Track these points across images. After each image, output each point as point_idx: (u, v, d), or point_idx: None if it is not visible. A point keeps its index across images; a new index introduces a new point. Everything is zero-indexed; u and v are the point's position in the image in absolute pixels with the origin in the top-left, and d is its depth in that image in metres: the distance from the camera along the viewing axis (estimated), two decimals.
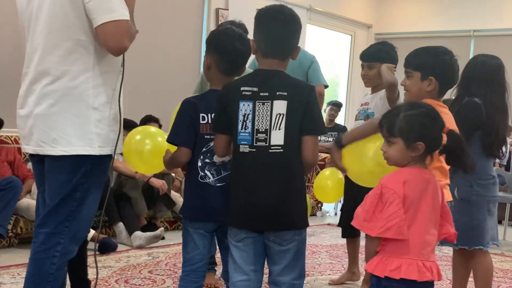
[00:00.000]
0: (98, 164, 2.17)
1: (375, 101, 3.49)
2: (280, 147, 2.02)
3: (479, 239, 2.91)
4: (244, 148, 2.05)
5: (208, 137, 2.24)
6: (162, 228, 4.70)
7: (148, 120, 5.34)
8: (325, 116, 7.07)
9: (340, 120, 7.86)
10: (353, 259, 3.81)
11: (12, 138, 4.56)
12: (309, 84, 2.13)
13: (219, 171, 2.24)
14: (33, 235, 2.22)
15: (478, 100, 2.87)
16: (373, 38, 8.82)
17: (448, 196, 2.42)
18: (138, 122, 5.13)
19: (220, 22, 6.22)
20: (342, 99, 8.30)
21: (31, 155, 2.28)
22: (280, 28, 2.08)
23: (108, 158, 2.22)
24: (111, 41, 2.06)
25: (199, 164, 2.25)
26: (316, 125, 2.06)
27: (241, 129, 2.05)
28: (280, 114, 2.02)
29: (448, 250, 3.20)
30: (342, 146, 2.56)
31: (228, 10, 6.57)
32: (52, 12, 2.09)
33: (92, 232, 4.24)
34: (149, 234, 4.48)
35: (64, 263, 2.18)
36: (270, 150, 2.02)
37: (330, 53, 8.61)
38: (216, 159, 2.23)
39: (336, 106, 7.25)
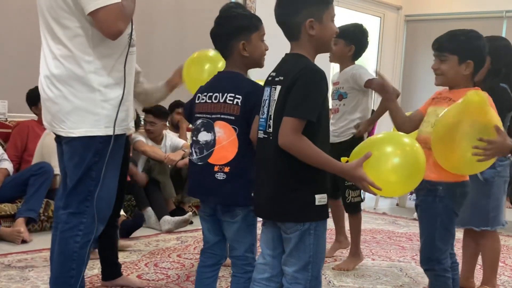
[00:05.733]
0: (110, 143, 2.22)
1: (344, 78, 3.62)
2: (271, 135, 1.98)
3: (499, 219, 3.04)
4: (260, 134, 2.04)
5: (197, 115, 2.29)
6: (190, 213, 4.73)
7: (177, 105, 5.37)
8: None
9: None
10: (340, 228, 3.93)
11: None
12: (303, 67, 1.92)
13: (202, 150, 2.25)
14: (53, 217, 2.30)
15: (503, 85, 2.93)
16: (403, 20, 8.69)
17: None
18: (167, 107, 5.17)
19: (247, 4, 6.20)
20: None
21: (56, 139, 2.38)
22: (276, 8, 2.03)
23: (120, 137, 2.27)
24: (104, 28, 2.11)
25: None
26: (289, 107, 1.88)
27: (261, 115, 2.05)
28: (275, 100, 1.97)
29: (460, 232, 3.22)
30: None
31: None
32: (46, 3, 2.20)
33: (124, 215, 4.32)
34: (177, 218, 4.52)
35: (87, 242, 2.25)
36: (271, 138, 1.98)
37: None
38: (200, 137, 2.25)
39: None
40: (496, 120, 2.24)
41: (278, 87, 1.97)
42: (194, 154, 2.28)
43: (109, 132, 2.21)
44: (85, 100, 2.18)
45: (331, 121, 3.57)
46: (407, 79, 8.74)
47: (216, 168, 2.21)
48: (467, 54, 2.39)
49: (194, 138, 2.29)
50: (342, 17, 7.78)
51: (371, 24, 8.55)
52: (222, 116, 2.22)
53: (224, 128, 2.21)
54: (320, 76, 1.92)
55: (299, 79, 1.90)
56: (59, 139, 2.33)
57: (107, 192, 2.28)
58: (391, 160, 2.03)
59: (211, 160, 2.22)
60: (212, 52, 2.94)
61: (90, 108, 2.19)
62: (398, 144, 2.09)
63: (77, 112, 2.19)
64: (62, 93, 2.19)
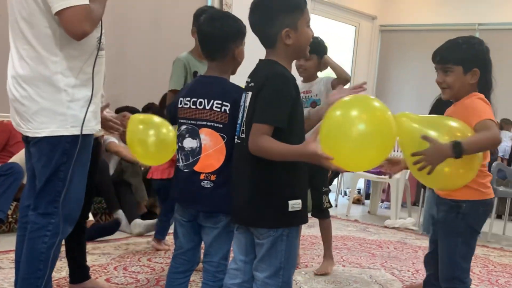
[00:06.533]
0: (77, 144, 2.21)
1: (318, 88, 3.73)
2: (244, 141, 1.97)
3: None
4: (235, 139, 2.05)
5: (181, 121, 2.25)
6: None
7: (150, 108, 5.33)
8: None
9: None
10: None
11: None
12: (270, 73, 1.93)
13: (188, 157, 2.22)
14: (18, 218, 2.40)
15: None
16: (378, 30, 8.79)
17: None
18: (140, 110, 5.13)
19: (223, 8, 6.19)
20: None
21: (24, 140, 2.35)
22: (250, 16, 2.02)
23: (87, 137, 2.26)
24: (70, 28, 2.11)
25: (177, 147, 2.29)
26: (257, 113, 1.90)
27: (238, 120, 2.05)
28: (247, 106, 1.98)
29: None
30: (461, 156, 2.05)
31: None
32: (17, 2, 2.19)
33: (92, 220, 4.26)
34: (148, 222, 4.48)
35: (55, 242, 2.23)
36: (244, 144, 1.98)
37: (333, 44, 8.57)
38: (185, 144, 2.22)
39: None
40: (417, 130, 2.11)
41: (250, 93, 1.98)
42: (180, 160, 2.24)
43: (76, 132, 2.21)
44: (51, 100, 2.18)
45: None
46: (380, 88, 8.84)
47: (202, 176, 2.17)
48: (471, 62, 2.30)
49: (179, 144, 2.25)
50: (318, 25, 7.84)
51: (347, 33, 8.63)
52: (208, 123, 2.16)
53: (210, 136, 2.16)
54: (286, 81, 1.92)
55: (265, 84, 1.90)
56: (27, 140, 2.30)
57: (75, 193, 2.27)
58: (355, 127, 1.84)
59: (197, 168, 2.18)
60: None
61: (57, 109, 2.18)
62: (363, 109, 1.88)
63: (43, 112, 2.18)
64: (28, 94, 2.18)
